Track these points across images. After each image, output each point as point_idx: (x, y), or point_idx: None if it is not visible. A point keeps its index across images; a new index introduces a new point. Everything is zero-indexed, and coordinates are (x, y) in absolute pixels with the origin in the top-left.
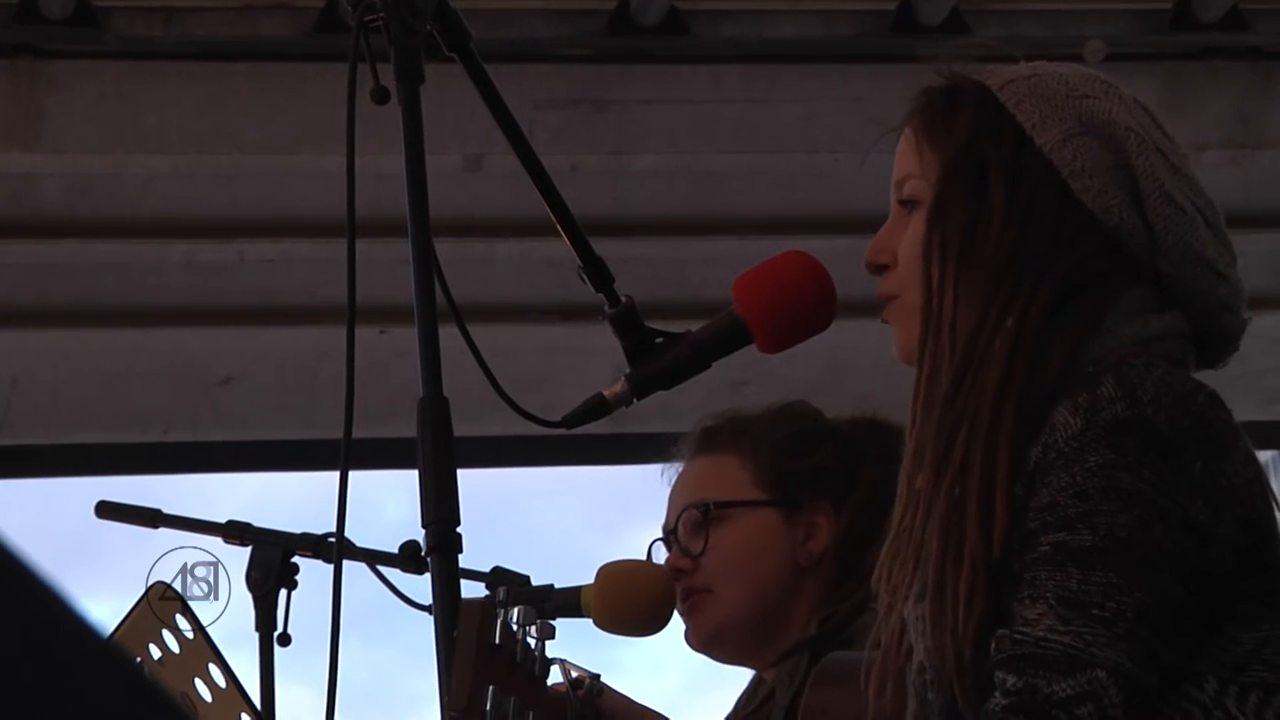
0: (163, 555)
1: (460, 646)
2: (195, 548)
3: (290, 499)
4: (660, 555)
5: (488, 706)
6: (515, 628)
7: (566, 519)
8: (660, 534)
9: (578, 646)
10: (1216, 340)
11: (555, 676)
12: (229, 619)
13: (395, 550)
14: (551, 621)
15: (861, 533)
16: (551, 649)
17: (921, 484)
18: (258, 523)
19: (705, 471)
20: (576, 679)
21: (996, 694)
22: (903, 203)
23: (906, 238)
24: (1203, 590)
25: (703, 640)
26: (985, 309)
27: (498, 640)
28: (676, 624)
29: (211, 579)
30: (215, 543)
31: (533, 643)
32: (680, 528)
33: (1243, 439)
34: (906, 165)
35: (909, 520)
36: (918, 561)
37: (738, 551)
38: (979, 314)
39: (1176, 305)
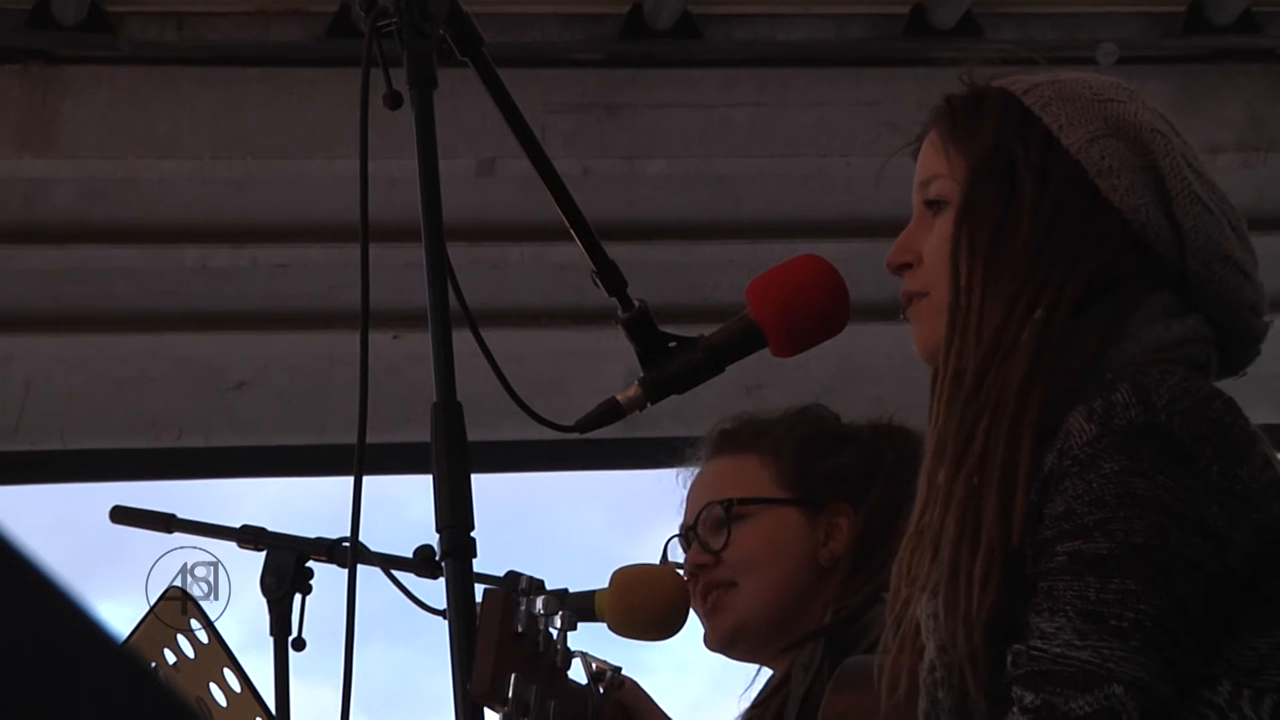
0: (161, 556)
1: (482, 634)
2: (196, 548)
3: (312, 503)
4: (676, 553)
5: (509, 694)
6: (539, 617)
7: (582, 522)
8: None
9: (603, 647)
10: (1240, 344)
11: (577, 668)
12: (245, 624)
13: (411, 554)
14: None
15: (877, 534)
16: (576, 646)
17: (943, 477)
18: (280, 528)
19: (726, 471)
20: (598, 671)
21: (1015, 710)
22: (929, 204)
23: (933, 236)
24: (1218, 595)
25: (722, 638)
26: (1011, 305)
27: (520, 629)
28: (696, 626)
29: (211, 579)
30: (230, 547)
31: (555, 634)
32: (701, 524)
33: (1260, 445)
34: (932, 166)
35: (929, 515)
36: (935, 554)
37: (760, 547)
38: (1005, 310)
39: (1201, 308)
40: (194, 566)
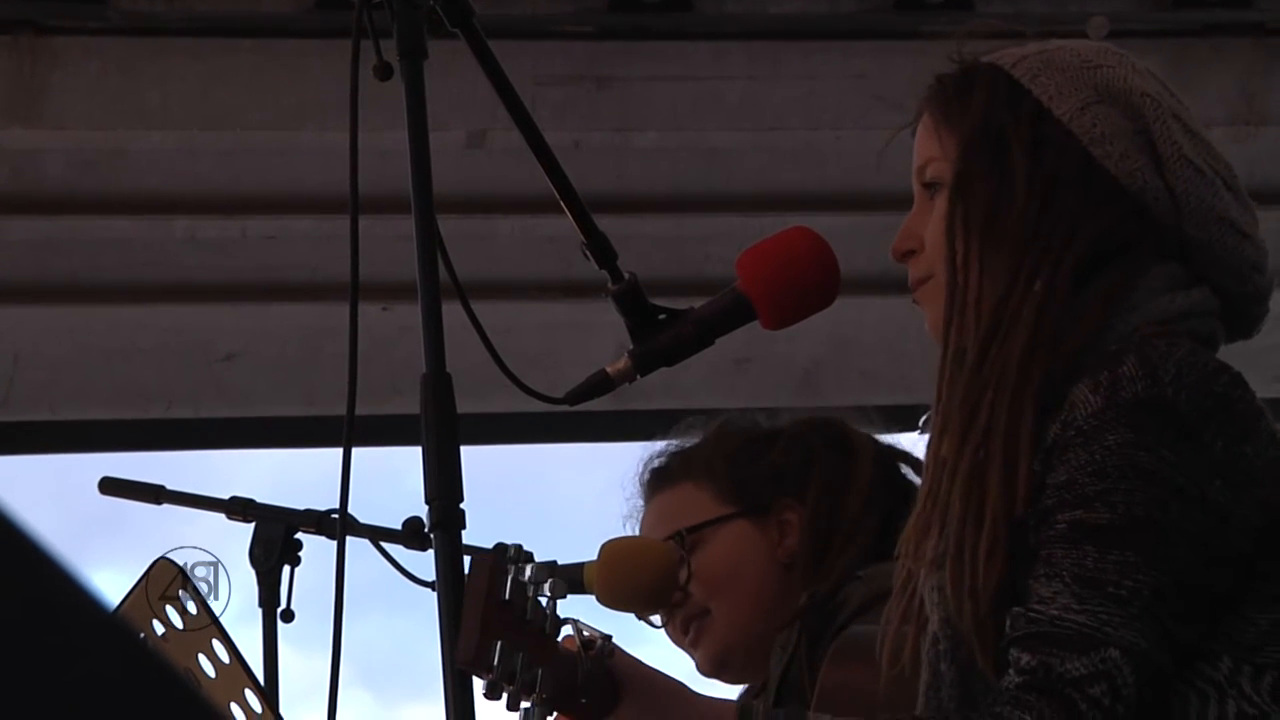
0: (164, 554)
1: (468, 600)
2: (196, 547)
3: (306, 475)
4: None
5: (495, 661)
6: (526, 585)
7: (572, 495)
8: None
9: (601, 615)
10: (1247, 305)
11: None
12: (235, 596)
13: (400, 526)
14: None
15: (827, 518)
16: (568, 614)
17: (947, 450)
18: (274, 500)
19: (667, 505)
20: (588, 639)
21: (1011, 671)
22: (926, 186)
23: (932, 219)
24: (1219, 570)
25: (713, 663)
26: (1012, 279)
27: (507, 596)
28: None
29: (211, 579)
30: (218, 519)
31: (544, 601)
32: None
33: (1266, 420)
34: (926, 150)
35: (935, 489)
36: (941, 529)
37: (722, 569)
38: (1005, 284)
39: (1206, 274)
40: (194, 566)
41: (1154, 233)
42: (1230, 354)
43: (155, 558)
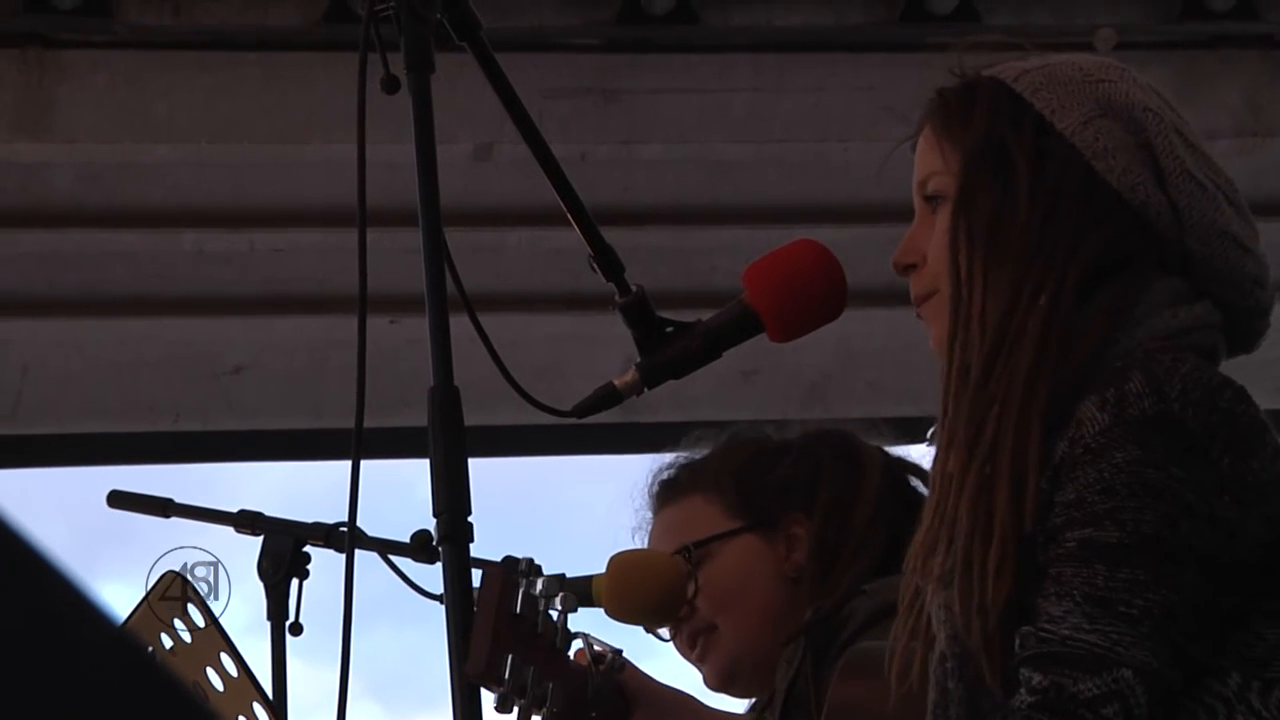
0: (161, 556)
1: (480, 613)
2: (196, 547)
3: (315, 487)
4: None
5: (506, 674)
6: (538, 599)
7: (580, 508)
8: None
9: (611, 629)
10: (1250, 320)
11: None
12: (243, 609)
13: (409, 539)
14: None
15: (834, 534)
16: (578, 628)
17: (954, 466)
18: (283, 513)
19: (676, 519)
20: (598, 654)
21: (1022, 691)
22: (928, 200)
23: (935, 233)
24: (1228, 586)
25: (720, 676)
26: (1016, 293)
27: (519, 609)
28: None
29: (211, 579)
30: (227, 532)
31: (555, 615)
32: None
33: (1270, 434)
34: (928, 164)
35: (941, 505)
36: (949, 545)
37: (729, 585)
38: (1009, 298)
39: (1208, 288)
40: (194, 566)
41: (1156, 247)
42: (1232, 367)
43: (162, 570)
